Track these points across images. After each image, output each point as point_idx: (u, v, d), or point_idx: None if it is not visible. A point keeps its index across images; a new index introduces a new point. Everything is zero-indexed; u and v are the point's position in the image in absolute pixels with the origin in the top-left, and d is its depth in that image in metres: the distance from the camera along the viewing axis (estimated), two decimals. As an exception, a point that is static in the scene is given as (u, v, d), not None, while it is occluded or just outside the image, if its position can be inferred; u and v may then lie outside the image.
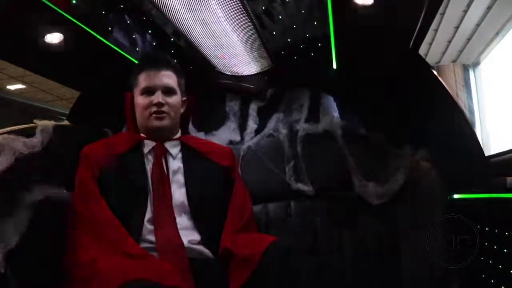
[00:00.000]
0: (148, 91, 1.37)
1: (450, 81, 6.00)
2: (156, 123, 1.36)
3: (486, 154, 1.44)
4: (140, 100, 1.38)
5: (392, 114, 1.68)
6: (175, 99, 1.40)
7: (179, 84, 1.42)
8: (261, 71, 1.87)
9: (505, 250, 1.20)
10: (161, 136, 1.40)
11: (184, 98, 1.46)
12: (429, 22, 1.39)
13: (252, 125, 1.87)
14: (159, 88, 1.37)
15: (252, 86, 1.89)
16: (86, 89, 1.77)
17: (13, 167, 1.17)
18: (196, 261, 1.24)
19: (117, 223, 1.23)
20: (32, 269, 1.15)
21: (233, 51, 1.69)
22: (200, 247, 1.29)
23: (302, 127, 1.79)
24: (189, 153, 1.43)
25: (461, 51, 6.03)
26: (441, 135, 1.53)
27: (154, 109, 1.35)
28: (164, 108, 1.36)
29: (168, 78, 1.39)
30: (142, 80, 1.38)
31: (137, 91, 1.39)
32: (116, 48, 1.52)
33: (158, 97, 1.36)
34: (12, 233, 1.11)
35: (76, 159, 1.34)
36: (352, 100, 1.83)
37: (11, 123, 1.33)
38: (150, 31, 1.56)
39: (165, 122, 1.37)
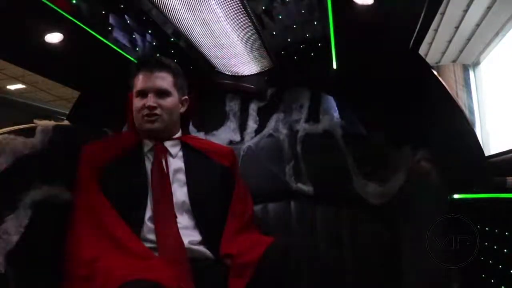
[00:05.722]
0: (142, 93, 1.37)
1: (450, 81, 6.00)
2: (148, 125, 1.37)
3: (486, 154, 1.44)
4: (135, 102, 1.39)
5: (392, 114, 1.68)
6: (170, 101, 1.39)
7: (175, 84, 1.41)
8: (261, 71, 1.87)
9: (505, 250, 1.20)
10: (156, 137, 1.40)
11: (185, 97, 1.46)
12: (429, 22, 1.39)
13: (252, 125, 1.87)
14: (152, 91, 1.36)
15: (252, 86, 1.89)
16: (86, 89, 1.77)
17: (13, 167, 1.17)
18: (197, 262, 1.24)
19: (120, 221, 1.23)
20: (32, 269, 1.15)
21: (233, 51, 1.69)
22: (201, 248, 1.29)
23: (302, 127, 1.79)
24: (190, 152, 1.43)
25: (461, 51, 6.02)
26: (441, 135, 1.53)
27: (146, 111, 1.36)
28: (157, 111, 1.36)
29: (162, 80, 1.38)
30: (137, 83, 1.39)
31: (134, 93, 1.40)
32: (116, 48, 1.52)
33: (150, 100, 1.35)
34: (12, 233, 1.11)
35: (76, 159, 1.34)
36: (352, 100, 1.83)
37: (11, 123, 1.33)
38: (150, 31, 1.56)
39: (157, 125, 1.37)
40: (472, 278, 1.30)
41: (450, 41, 5.72)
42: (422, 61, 1.59)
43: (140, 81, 1.38)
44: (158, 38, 1.61)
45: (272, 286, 1.16)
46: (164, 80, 1.39)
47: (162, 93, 1.38)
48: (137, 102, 1.38)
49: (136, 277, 1.02)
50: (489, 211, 1.29)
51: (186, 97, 1.47)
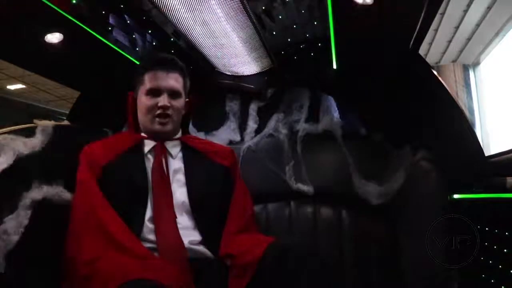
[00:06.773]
0: (154, 92, 1.35)
1: (450, 81, 6.00)
2: (159, 127, 1.36)
3: (486, 154, 1.44)
4: (145, 101, 1.36)
5: (392, 114, 1.68)
6: (180, 102, 1.39)
7: (184, 86, 1.41)
8: (261, 71, 1.87)
9: (505, 250, 1.20)
10: (162, 137, 1.40)
11: (187, 99, 1.46)
12: (429, 22, 1.39)
13: (252, 125, 1.87)
14: (166, 91, 1.35)
15: (252, 86, 1.89)
16: (86, 89, 1.77)
17: (13, 167, 1.18)
18: (197, 262, 1.24)
19: (120, 221, 1.23)
20: (32, 269, 1.15)
21: (233, 51, 1.69)
22: (201, 248, 1.29)
23: (302, 127, 1.79)
24: (190, 153, 1.43)
25: (461, 51, 6.03)
26: (441, 135, 1.53)
27: (159, 111, 1.34)
28: (169, 112, 1.35)
29: (175, 80, 1.37)
30: (149, 80, 1.36)
31: (142, 91, 1.37)
32: (116, 48, 1.52)
33: (164, 100, 1.34)
34: (12, 233, 1.11)
35: (76, 159, 1.34)
36: (352, 100, 1.83)
37: (11, 123, 1.33)
38: (150, 31, 1.56)
39: (168, 127, 1.37)
40: (472, 278, 1.30)
41: (450, 41, 5.72)
42: (422, 61, 1.59)
43: (153, 80, 1.35)
44: (158, 38, 1.61)
45: (272, 286, 1.16)
46: (177, 81, 1.38)
47: (174, 94, 1.37)
48: (147, 101, 1.35)
49: (136, 277, 1.02)
50: (489, 211, 1.29)
51: (188, 99, 1.47)
